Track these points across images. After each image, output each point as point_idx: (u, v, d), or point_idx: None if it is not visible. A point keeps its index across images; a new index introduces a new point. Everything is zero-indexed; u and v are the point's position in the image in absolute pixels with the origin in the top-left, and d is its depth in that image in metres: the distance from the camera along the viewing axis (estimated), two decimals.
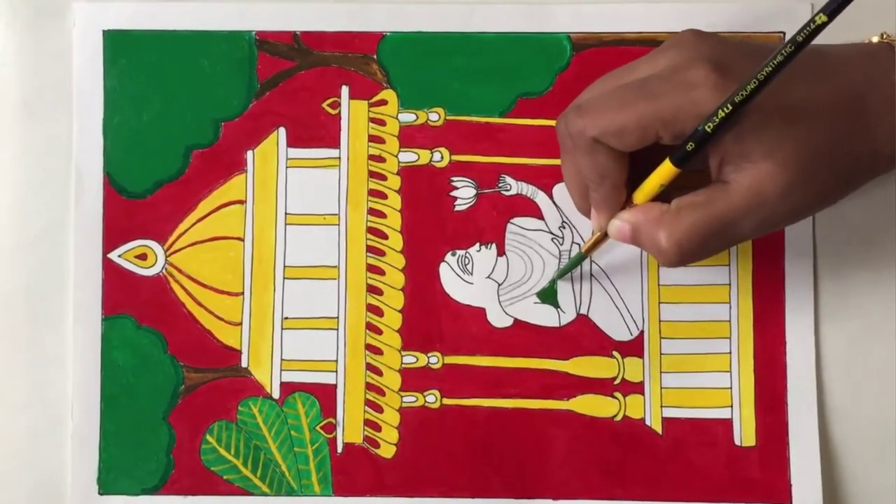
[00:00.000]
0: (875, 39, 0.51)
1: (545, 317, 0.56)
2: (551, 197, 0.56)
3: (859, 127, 0.47)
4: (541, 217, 0.56)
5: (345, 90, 0.56)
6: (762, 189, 0.46)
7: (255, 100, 0.56)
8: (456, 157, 0.56)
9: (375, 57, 0.56)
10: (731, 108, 0.44)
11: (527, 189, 0.56)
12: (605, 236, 0.51)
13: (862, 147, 0.47)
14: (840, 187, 0.48)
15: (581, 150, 0.48)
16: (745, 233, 0.47)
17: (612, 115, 0.46)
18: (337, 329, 0.56)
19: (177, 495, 0.55)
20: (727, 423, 0.55)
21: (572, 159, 0.50)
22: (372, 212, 0.56)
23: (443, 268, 0.56)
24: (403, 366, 0.56)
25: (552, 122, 0.56)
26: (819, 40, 0.42)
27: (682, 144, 0.46)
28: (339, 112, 0.56)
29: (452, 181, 0.56)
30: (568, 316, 0.55)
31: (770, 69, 0.43)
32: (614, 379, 0.55)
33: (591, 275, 0.56)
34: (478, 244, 0.56)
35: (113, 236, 0.56)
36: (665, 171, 0.47)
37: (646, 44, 0.56)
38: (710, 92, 0.45)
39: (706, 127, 0.44)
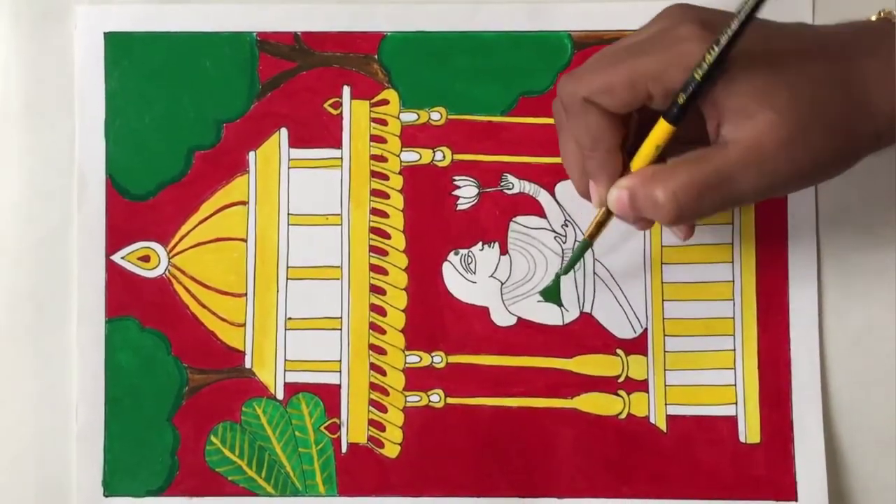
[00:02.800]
0: (873, 18, 0.51)
1: (549, 315, 0.56)
2: (554, 195, 0.56)
3: (853, 83, 0.46)
4: (543, 215, 0.56)
5: (346, 90, 0.56)
6: (760, 142, 0.45)
7: (257, 101, 0.56)
8: (458, 157, 0.56)
9: (377, 57, 0.56)
10: (716, 49, 0.43)
11: (529, 188, 0.56)
12: (606, 216, 0.50)
13: (859, 108, 0.46)
14: (839, 149, 0.46)
15: (573, 113, 0.48)
16: (745, 189, 0.46)
17: (602, 74, 0.46)
18: (340, 329, 0.56)
19: (181, 496, 0.55)
20: (732, 421, 0.55)
21: (567, 129, 0.49)
22: (374, 211, 0.56)
23: (446, 267, 0.56)
24: (407, 365, 0.56)
25: (554, 121, 0.56)
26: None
27: (674, 99, 0.45)
28: (341, 112, 0.56)
29: (455, 180, 0.56)
30: (571, 314, 0.55)
31: (754, 3, 0.42)
32: (618, 377, 0.55)
33: (595, 273, 0.56)
34: (480, 243, 0.56)
35: (116, 238, 0.56)
36: (660, 131, 0.46)
37: None
38: (697, 44, 0.44)
39: (695, 74, 0.44)
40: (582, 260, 0.55)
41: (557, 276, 0.55)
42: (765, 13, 0.48)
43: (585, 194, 0.51)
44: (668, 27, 0.46)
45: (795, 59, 0.46)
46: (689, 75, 0.44)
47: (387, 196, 0.56)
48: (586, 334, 0.55)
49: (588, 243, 0.52)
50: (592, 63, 0.48)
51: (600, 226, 0.51)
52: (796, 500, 0.55)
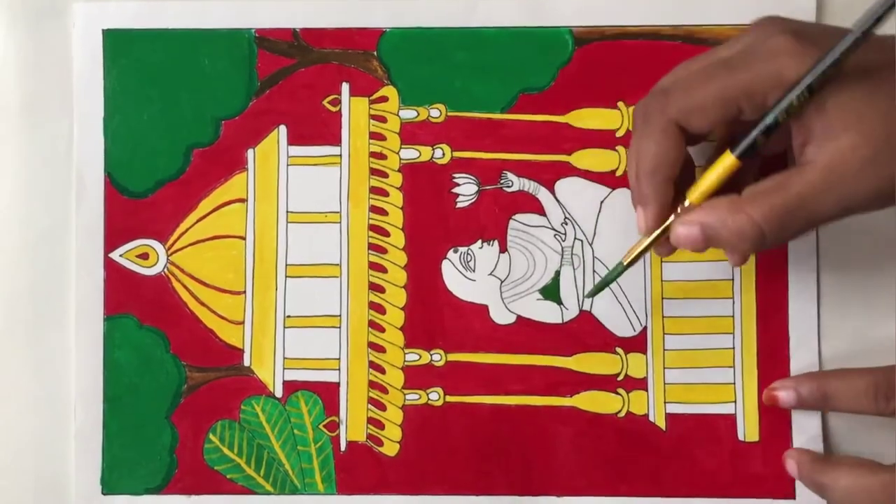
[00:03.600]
0: None
1: (548, 313, 0.55)
2: (553, 193, 0.56)
3: None
4: (543, 213, 0.56)
5: (345, 87, 0.56)
6: (842, 163, 0.44)
7: (256, 98, 0.56)
8: (457, 154, 0.56)
9: (376, 53, 0.56)
10: (807, 94, 0.43)
11: (529, 185, 0.56)
12: (650, 245, 0.50)
13: None
14: None
15: (653, 130, 0.47)
16: (826, 211, 0.45)
17: (695, 91, 0.46)
18: (339, 327, 0.56)
19: (180, 494, 0.55)
20: (731, 419, 0.55)
21: (638, 144, 0.48)
22: (373, 209, 0.56)
23: (445, 265, 0.56)
24: (406, 363, 0.55)
25: (554, 118, 0.55)
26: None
27: (751, 133, 0.45)
28: (340, 109, 0.56)
29: (454, 178, 0.56)
30: (571, 312, 0.55)
31: (848, 46, 0.42)
32: (618, 375, 0.55)
33: (594, 271, 0.55)
34: (480, 241, 0.56)
35: (114, 236, 0.56)
36: (725, 164, 0.46)
37: (648, 37, 0.55)
38: (792, 59, 0.44)
39: (777, 117, 0.44)
40: (581, 258, 0.55)
41: (588, 296, 0.55)
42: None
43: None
44: (761, 39, 0.46)
45: (889, 80, 0.44)
46: (772, 112, 0.44)
47: (386, 193, 0.56)
48: (586, 332, 0.55)
49: (623, 268, 0.51)
50: (684, 78, 0.47)
51: (641, 253, 0.50)
52: (794, 497, 0.55)
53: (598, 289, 0.53)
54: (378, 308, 0.56)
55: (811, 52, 0.44)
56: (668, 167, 0.47)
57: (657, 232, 0.49)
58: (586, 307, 0.55)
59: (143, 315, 0.55)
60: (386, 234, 0.56)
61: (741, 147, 0.46)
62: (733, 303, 0.55)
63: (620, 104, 0.55)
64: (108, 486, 0.55)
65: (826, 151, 0.44)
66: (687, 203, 0.48)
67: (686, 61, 0.49)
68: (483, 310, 0.56)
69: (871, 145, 0.44)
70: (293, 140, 0.56)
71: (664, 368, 0.55)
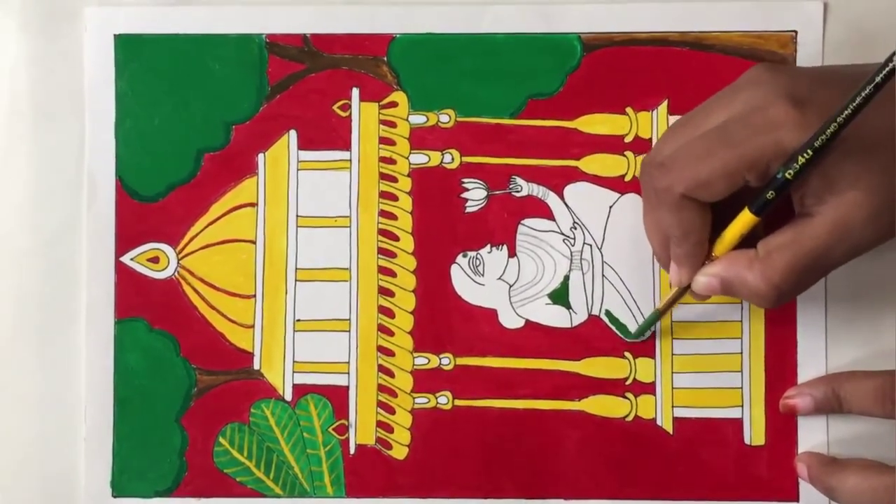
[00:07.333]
0: None
1: (557, 318, 0.56)
2: (562, 198, 0.56)
3: None
4: (552, 218, 0.56)
5: (355, 92, 0.56)
6: (848, 219, 0.46)
7: (266, 102, 0.56)
8: (467, 159, 0.56)
9: (386, 59, 0.56)
10: (811, 153, 0.44)
11: (538, 190, 0.56)
12: (682, 292, 0.52)
13: None
14: None
15: (667, 206, 0.48)
16: (837, 261, 0.48)
17: (697, 168, 0.47)
18: (349, 331, 0.56)
19: (190, 497, 0.55)
20: (737, 423, 0.55)
21: (656, 215, 0.50)
22: (383, 214, 0.56)
23: (454, 269, 0.56)
24: (415, 367, 0.56)
25: (563, 123, 0.56)
26: None
27: (762, 193, 0.46)
28: (350, 114, 0.56)
29: (463, 183, 0.56)
30: (580, 317, 0.56)
31: (850, 112, 0.43)
32: (626, 379, 0.55)
33: (603, 275, 0.56)
34: (489, 245, 0.56)
35: (125, 239, 0.56)
36: (745, 220, 0.48)
37: (656, 44, 0.56)
38: (792, 131, 0.45)
39: (786, 174, 0.45)
40: (591, 262, 0.56)
41: (631, 336, 0.55)
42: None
43: (666, 266, 0.52)
44: (758, 106, 0.46)
45: (887, 141, 0.46)
46: (779, 171, 0.45)
47: (395, 198, 0.56)
48: (594, 337, 0.55)
49: (659, 314, 0.54)
50: (684, 153, 0.48)
51: (675, 300, 0.53)
52: (797, 500, 0.55)
53: (642, 331, 0.55)
54: (387, 312, 0.56)
55: (811, 120, 0.45)
56: (697, 232, 0.49)
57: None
58: (595, 311, 0.56)
59: (153, 318, 0.56)
60: (395, 238, 0.56)
61: (757, 205, 0.47)
62: (742, 307, 0.55)
63: (629, 110, 0.56)
64: (118, 489, 0.55)
65: (831, 206, 0.46)
66: (713, 255, 0.50)
67: (680, 122, 0.50)
68: (492, 314, 0.56)
69: (873, 202, 0.46)
70: (303, 145, 0.56)
71: (672, 373, 0.55)
